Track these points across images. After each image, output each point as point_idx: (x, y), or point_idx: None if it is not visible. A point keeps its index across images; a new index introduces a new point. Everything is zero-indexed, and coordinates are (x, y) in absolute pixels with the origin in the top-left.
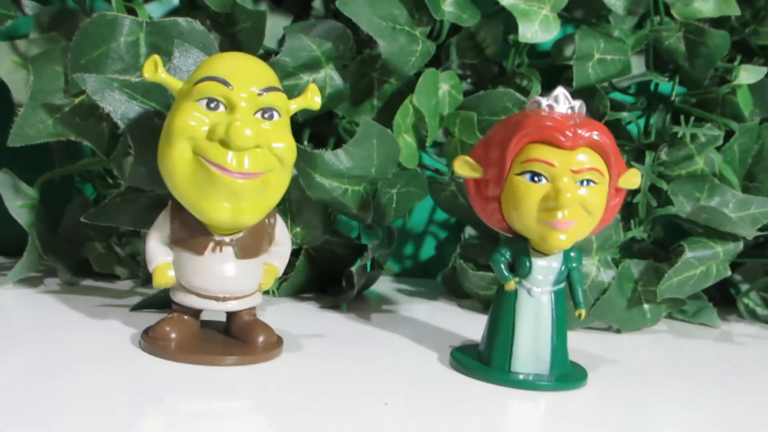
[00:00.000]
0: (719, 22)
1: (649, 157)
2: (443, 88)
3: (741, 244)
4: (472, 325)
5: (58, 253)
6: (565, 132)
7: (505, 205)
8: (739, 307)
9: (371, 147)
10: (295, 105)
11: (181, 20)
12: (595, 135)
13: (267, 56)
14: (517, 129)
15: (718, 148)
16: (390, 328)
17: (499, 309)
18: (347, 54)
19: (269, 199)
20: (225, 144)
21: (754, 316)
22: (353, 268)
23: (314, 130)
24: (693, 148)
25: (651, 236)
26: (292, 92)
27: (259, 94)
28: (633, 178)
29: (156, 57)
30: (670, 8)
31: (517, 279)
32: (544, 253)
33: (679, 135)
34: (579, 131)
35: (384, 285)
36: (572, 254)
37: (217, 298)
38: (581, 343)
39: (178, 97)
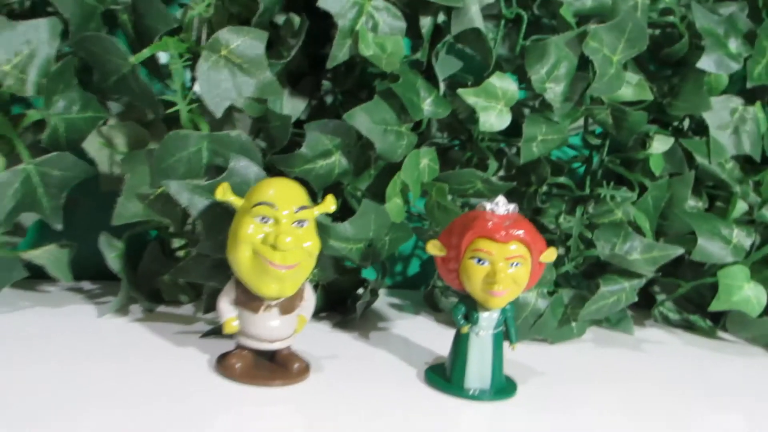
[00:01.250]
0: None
1: (579, 210)
2: (423, 162)
3: (644, 279)
4: (444, 339)
5: (139, 286)
6: (500, 232)
7: (461, 276)
8: (655, 314)
9: (369, 219)
10: (317, 211)
11: (232, 133)
12: (521, 233)
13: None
14: (469, 227)
15: (634, 202)
16: (383, 344)
17: (457, 344)
18: (352, 143)
19: (302, 278)
20: (274, 247)
21: (667, 322)
22: (358, 304)
23: (325, 192)
24: (612, 205)
25: (579, 269)
26: (310, 173)
27: (296, 212)
28: (551, 255)
29: (225, 184)
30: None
31: (468, 325)
32: (487, 308)
33: (601, 196)
34: (510, 231)
35: (381, 300)
36: (507, 307)
37: (267, 341)
38: (522, 354)
39: (241, 211)
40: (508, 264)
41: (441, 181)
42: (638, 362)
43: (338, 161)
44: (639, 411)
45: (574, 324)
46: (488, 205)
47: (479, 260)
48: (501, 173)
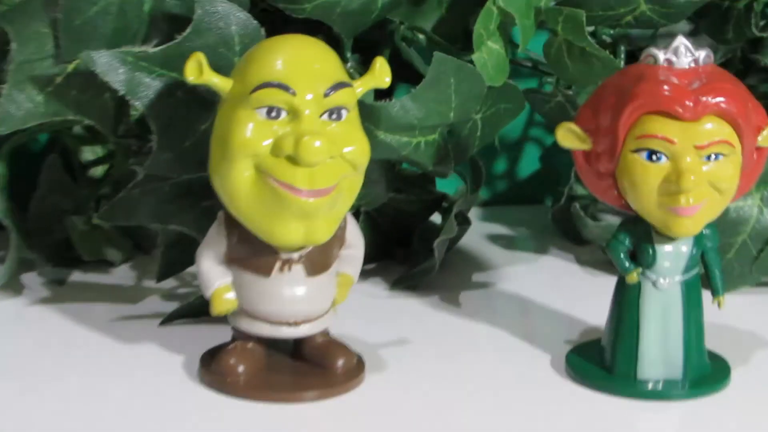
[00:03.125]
0: None
1: None
2: None
3: None
4: (596, 299)
5: (34, 239)
6: (684, 102)
7: (621, 184)
8: None
9: (448, 88)
10: (361, 88)
11: None
12: (721, 102)
13: None
14: (630, 98)
15: None
16: (486, 315)
17: (621, 305)
18: None
19: (343, 209)
20: (293, 161)
21: None
22: (436, 243)
23: (360, 41)
24: None
25: None
26: (334, 8)
27: (326, 94)
28: None
29: (199, 55)
30: None
31: (639, 269)
32: (670, 237)
33: None
34: (702, 98)
35: (471, 227)
36: (705, 232)
37: (288, 324)
38: (738, 311)
39: (230, 100)
40: (701, 157)
41: (572, 5)
42: None
43: None
44: None
45: None
46: (661, 54)
47: (651, 154)
48: None
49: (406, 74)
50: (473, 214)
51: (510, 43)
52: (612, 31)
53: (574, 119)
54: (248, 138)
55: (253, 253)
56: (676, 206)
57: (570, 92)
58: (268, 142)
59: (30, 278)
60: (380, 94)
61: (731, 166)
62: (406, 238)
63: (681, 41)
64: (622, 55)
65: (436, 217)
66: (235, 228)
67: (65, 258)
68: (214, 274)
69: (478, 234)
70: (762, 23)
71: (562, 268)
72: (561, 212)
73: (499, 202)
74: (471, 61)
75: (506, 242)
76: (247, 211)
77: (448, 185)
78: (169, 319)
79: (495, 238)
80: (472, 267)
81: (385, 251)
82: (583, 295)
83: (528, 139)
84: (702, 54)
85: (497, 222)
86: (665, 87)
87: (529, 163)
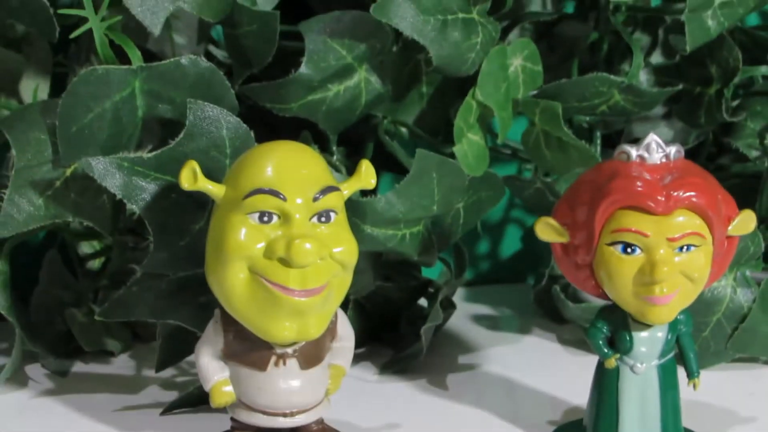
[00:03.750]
0: None
1: None
2: (515, 64)
3: None
4: (578, 378)
5: (35, 333)
6: (656, 197)
7: (598, 275)
8: None
9: (431, 182)
10: (347, 190)
11: (183, 60)
12: (692, 196)
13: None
14: (605, 194)
15: None
16: (472, 397)
17: (601, 389)
18: (385, 48)
19: (333, 306)
20: (285, 262)
21: None
22: (423, 329)
23: (344, 134)
24: None
25: None
26: (319, 107)
27: (315, 198)
28: (747, 224)
29: (193, 164)
30: None
31: (618, 355)
32: (646, 324)
33: None
34: (674, 193)
35: (457, 307)
36: (680, 317)
37: (284, 414)
38: (713, 389)
39: (224, 205)
40: (673, 249)
41: (548, 97)
42: None
43: (364, 82)
44: None
45: None
46: (633, 151)
47: (626, 247)
48: (646, 72)
49: (390, 164)
50: (458, 294)
51: (490, 132)
52: (588, 118)
53: (552, 212)
54: (242, 242)
55: (249, 349)
56: (651, 296)
57: (548, 179)
58: (261, 245)
59: (33, 370)
60: None
61: (703, 256)
62: (394, 323)
63: (652, 138)
64: (598, 141)
65: (423, 301)
66: (231, 325)
67: (67, 349)
68: (212, 369)
69: (463, 314)
70: (732, 107)
71: (544, 347)
72: (542, 293)
73: (483, 282)
74: (452, 153)
75: (490, 322)
76: (243, 309)
77: (433, 269)
78: (169, 409)
79: (479, 319)
80: (458, 349)
81: (374, 336)
82: (565, 375)
83: (510, 221)
84: (672, 149)
85: (481, 302)
86: (638, 183)
87: (511, 243)
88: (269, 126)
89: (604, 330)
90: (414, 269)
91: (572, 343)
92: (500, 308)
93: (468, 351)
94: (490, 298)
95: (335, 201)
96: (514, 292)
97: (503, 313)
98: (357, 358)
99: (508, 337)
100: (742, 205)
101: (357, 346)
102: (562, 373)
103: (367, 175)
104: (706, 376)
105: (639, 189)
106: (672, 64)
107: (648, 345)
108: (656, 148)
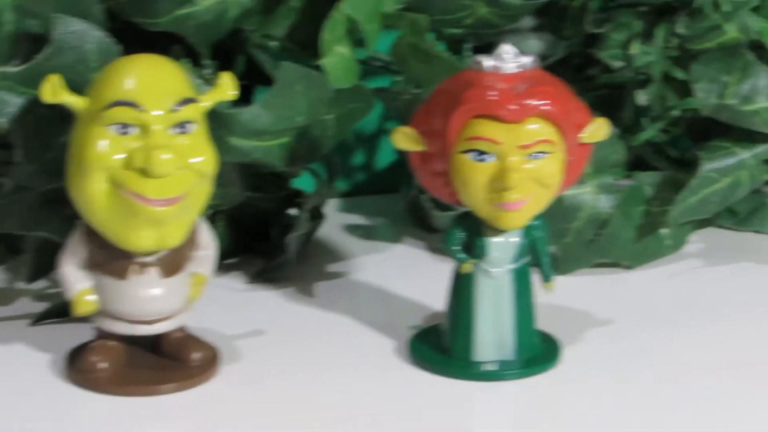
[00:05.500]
0: None
1: (661, 31)
2: None
3: None
4: (444, 285)
5: None
6: (508, 106)
7: (454, 182)
8: None
9: (296, 94)
10: (207, 102)
11: None
12: (543, 104)
13: None
14: (459, 103)
15: (757, 7)
16: (338, 304)
17: (457, 293)
18: None
19: (193, 215)
20: (144, 173)
21: None
22: (287, 239)
23: (216, 48)
24: (718, 16)
25: (669, 135)
26: (188, 21)
27: (174, 110)
28: (600, 131)
29: (54, 77)
30: None
31: (473, 260)
32: (500, 230)
33: (696, 3)
34: (525, 102)
35: (329, 219)
36: (534, 223)
37: (145, 322)
38: (574, 292)
39: (84, 118)
40: (525, 156)
41: (415, 10)
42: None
43: None
44: None
45: (664, 231)
46: (487, 60)
47: (479, 154)
48: None
49: (263, 78)
50: (332, 205)
51: (360, 45)
52: (458, 31)
53: (410, 121)
54: (101, 153)
55: (110, 258)
56: (503, 202)
57: (418, 90)
58: (120, 156)
59: None
60: (240, 97)
61: (554, 163)
62: (265, 233)
63: (506, 48)
64: (468, 53)
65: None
66: (93, 235)
67: None
68: (74, 278)
69: (337, 225)
70: (597, 19)
71: (414, 255)
72: (412, 203)
73: (359, 193)
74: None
75: (363, 232)
76: (103, 220)
77: (308, 181)
78: (38, 320)
79: (353, 229)
80: (329, 258)
81: (246, 247)
82: (432, 282)
83: (384, 132)
84: (526, 59)
85: (356, 212)
86: (491, 92)
87: (387, 154)
88: (142, 42)
89: (460, 236)
90: (283, 180)
91: (441, 251)
92: (374, 218)
93: (339, 260)
94: (365, 208)
95: (194, 112)
96: (389, 202)
97: (376, 223)
98: (227, 268)
99: (380, 246)
100: (609, 115)
101: (228, 256)
102: (428, 281)
103: (226, 86)
104: (568, 280)
105: (491, 97)
106: None
107: (502, 250)
108: (510, 58)
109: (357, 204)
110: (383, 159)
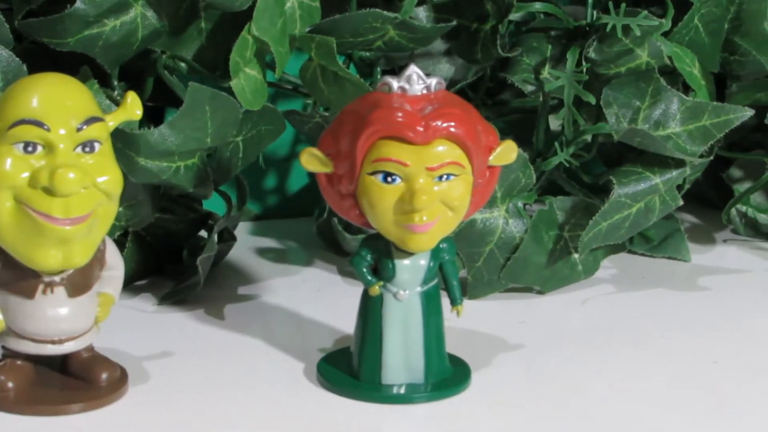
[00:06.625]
0: None
1: (572, 54)
2: (291, 1)
3: (687, 169)
4: (354, 308)
5: None
6: (415, 127)
7: (361, 204)
8: (731, 217)
9: (204, 115)
10: (113, 122)
11: None
12: (450, 126)
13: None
14: (366, 124)
15: (668, 32)
16: (248, 326)
17: (366, 315)
18: None
19: (99, 234)
20: (49, 191)
21: (753, 230)
22: (200, 259)
23: (126, 69)
24: (629, 41)
25: (580, 160)
26: (96, 42)
27: (79, 129)
28: (508, 154)
29: None
30: None
31: (381, 282)
32: (408, 252)
33: (608, 28)
34: (432, 123)
35: (241, 242)
36: (442, 245)
37: (53, 342)
38: (487, 318)
39: None
40: (432, 178)
41: (323, 32)
42: (702, 312)
43: (141, 17)
44: (691, 403)
45: (576, 256)
46: (394, 82)
47: (387, 176)
48: (424, 9)
49: (172, 100)
50: (244, 228)
51: (271, 67)
52: (368, 54)
53: (317, 143)
54: (6, 171)
55: (17, 277)
56: (411, 224)
57: (327, 113)
58: (25, 175)
59: None
60: (150, 119)
61: (462, 186)
62: (176, 255)
63: (413, 70)
64: (379, 76)
65: (206, 234)
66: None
67: None
68: None
69: (249, 248)
70: (509, 43)
71: (325, 278)
72: (324, 225)
73: (270, 216)
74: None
75: (275, 255)
76: (9, 238)
77: (220, 203)
78: None
79: (264, 252)
80: (240, 281)
81: (156, 268)
82: (342, 305)
83: (296, 155)
84: (433, 81)
85: (267, 236)
86: (398, 113)
87: (299, 178)
88: (52, 61)
89: (368, 258)
90: (194, 202)
91: (352, 274)
92: (285, 242)
93: (250, 283)
94: (277, 231)
95: (99, 131)
96: (301, 225)
97: (288, 246)
98: (137, 290)
99: (290, 270)
100: (521, 139)
101: (138, 277)
102: (338, 304)
103: (132, 106)
104: (479, 305)
105: (399, 119)
106: (450, 1)
107: (410, 272)
108: (417, 80)
109: (269, 227)
110: (295, 182)
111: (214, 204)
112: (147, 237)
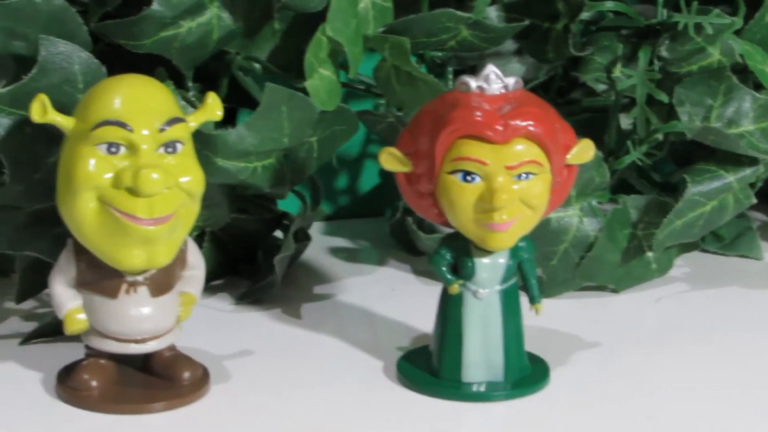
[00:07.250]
0: None
1: (644, 54)
2: (365, 1)
3: (761, 167)
4: (429, 307)
5: None
6: (494, 126)
7: (440, 203)
8: None
9: (280, 116)
10: (194, 122)
11: None
12: (529, 125)
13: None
14: (445, 124)
15: (740, 30)
16: (324, 325)
17: (445, 314)
18: None
19: (182, 234)
20: (133, 192)
21: None
22: (276, 259)
23: (200, 71)
24: (701, 39)
25: (653, 158)
26: (172, 44)
27: (161, 129)
28: (585, 152)
29: (43, 97)
30: None
31: (460, 281)
32: (487, 251)
33: (679, 27)
34: (511, 122)
35: (314, 242)
36: (521, 244)
37: (136, 341)
38: (560, 316)
39: (73, 138)
40: (511, 177)
41: (397, 32)
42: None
43: (216, 18)
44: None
45: (650, 254)
46: (473, 82)
47: (466, 175)
48: (495, 9)
49: (246, 100)
50: (317, 228)
51: (344, 68)
52: (440, 54)
53: (395, 142)
54: (90, 172)
55: (101, 277)
56: (491, 222)
57: (400, 113)
58: (109, 176)
59: None
60: (223, 120)
61: (541, 184)
62: (251, 255)
63: (491, 69)
64: (450, 76)
65: (280, 234)
66: (83, 254)
67: None
68: (65, 297)
69: (322, 248)
70: (580, 42)
71: (399, 278)
72: (397, 225)
73: (342, 216)
74: (305, 88)
75: (347, 255)
76: (93, 238)
77: (293, 203)
78: (28, 339)
79: (337, 251)
80: (315, 280)
81: (232, 268)
82: (417, 304)
83: (367, 156)
84: (511, 80)
85: (340, 236)
86: (477, 113)
87: (370, 178)
88: (127, 63)
89: (447, 257)
90: (269, 202)
91: (426, 273)
92: (358, 241)
93: (324, 282)
94: (349, 231)
95: (181, 132)
96: (373, 225)
97: (361, 246)
98: (214, 289)
99: (364, 269)
100: (593, 139)
101: (214, 277)
102: (414, 303)
103: (213, 106)
104: (554, 303)
105: (478, 118)
106: (521, 1)
107: (490, 271)
108: (495, 79)
109: (340, 227)
110: (367, 182)
111: (286, 204)
112: (223, 237)
